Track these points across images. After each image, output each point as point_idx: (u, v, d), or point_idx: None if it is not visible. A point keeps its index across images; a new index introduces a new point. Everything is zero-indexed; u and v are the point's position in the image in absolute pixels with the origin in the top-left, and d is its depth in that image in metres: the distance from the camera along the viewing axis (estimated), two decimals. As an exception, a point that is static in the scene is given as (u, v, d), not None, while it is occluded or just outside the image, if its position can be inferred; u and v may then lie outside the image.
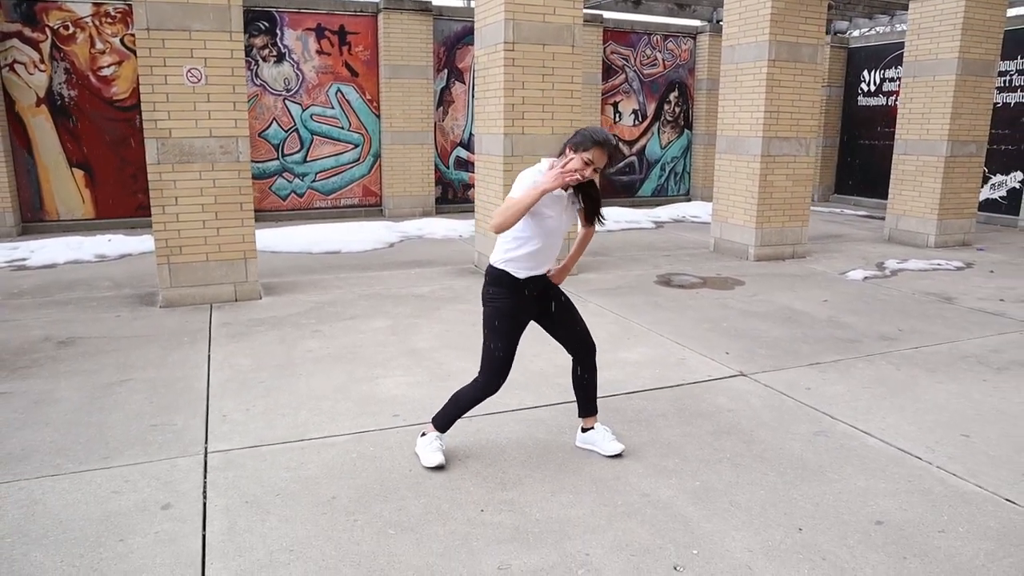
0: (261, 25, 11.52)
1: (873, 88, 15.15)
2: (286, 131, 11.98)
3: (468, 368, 4.50)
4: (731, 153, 9.10)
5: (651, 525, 2.95)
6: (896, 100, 13.89)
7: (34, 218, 10.60)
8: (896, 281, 7.73)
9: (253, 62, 11.52)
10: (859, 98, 15.47)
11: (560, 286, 3.51)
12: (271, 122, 11.85)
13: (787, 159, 8.79)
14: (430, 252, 9.12)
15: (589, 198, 3.33)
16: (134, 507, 3.03)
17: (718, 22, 14.50)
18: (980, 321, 6.11)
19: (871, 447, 3.68)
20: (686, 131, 15.37)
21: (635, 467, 3.44)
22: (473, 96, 12.47)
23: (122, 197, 11.04)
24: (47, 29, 10.26)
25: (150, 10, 5.82)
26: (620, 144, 14.67)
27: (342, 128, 12.38)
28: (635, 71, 14.58)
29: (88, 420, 3.89)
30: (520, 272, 3.23)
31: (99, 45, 10.58)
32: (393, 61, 12.11)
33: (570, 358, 3.57)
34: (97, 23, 10.51)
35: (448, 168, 13.29)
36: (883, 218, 11.26)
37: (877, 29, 15.87)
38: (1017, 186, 12.34)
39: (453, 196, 13.35)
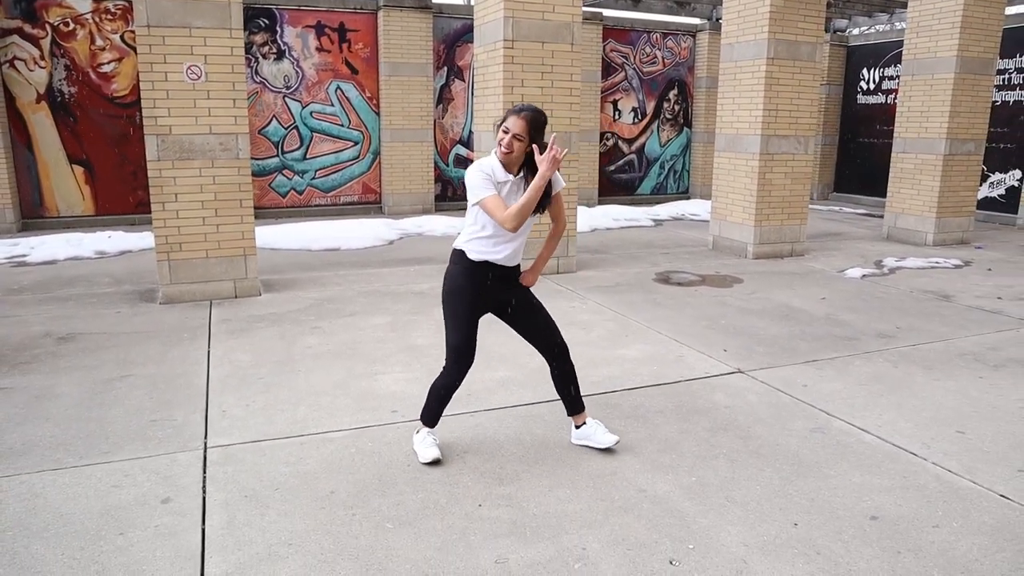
0: (261, 22, 11.53)
1: (872, 86, 15.17)
2: (286, 128, 11.99)
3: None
4: (730, 151, 9.11)
5: (647, 520, 2.97)
6: (895, 98, 13.90)
7: (34, 215, 10.61)
8: (894, 279, 7.75)
9: (253, 59, 11.52)
10: (858, 96, 15.49)
11: (534, 291, 3.50)
12: (271, 119, 11.86)
13: (786, 157, 8.81)
14: (429, 249, 9.14)
15: (531, 170, 3.26)
16: (134, 501, 3.05)
17: (717, 20, 14.50)
18: (978, 319, 6.13)
19: (867, 443, 3.70)
20: (685, 129, 15.39)
21: (632, 463, 3.46)
22: (473, 94, 12.48)
23: (122, 194, 11.05)
24: (47, 25, 10.27)
25: (150, 7, 5.83)
26: (619, 142, 14.69)
27: (342, 125, 12.39)
28: (634, 69, 14.59)
29: (88, 415, 3.91)
30: (474, 254, 3.25)
31: (99, 42, 10.59)
32: (393, 58, 12.12)
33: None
34: (97, 20, 10.52)
35: (448, 166, 13.30)
36: (882, 216, 11.28)
37: (876, 27, 15.87)
38: (1015, 184, 12.36)
39: (452, 194, 13.36)
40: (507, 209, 3.09)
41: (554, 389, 3.59)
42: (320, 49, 11.96)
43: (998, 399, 4.33)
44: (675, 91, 15.10)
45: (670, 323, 5.86)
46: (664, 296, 6.81)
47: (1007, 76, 12.33)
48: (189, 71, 6.00)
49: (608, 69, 14.25)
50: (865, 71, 15.27)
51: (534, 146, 3.14)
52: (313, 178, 12.36)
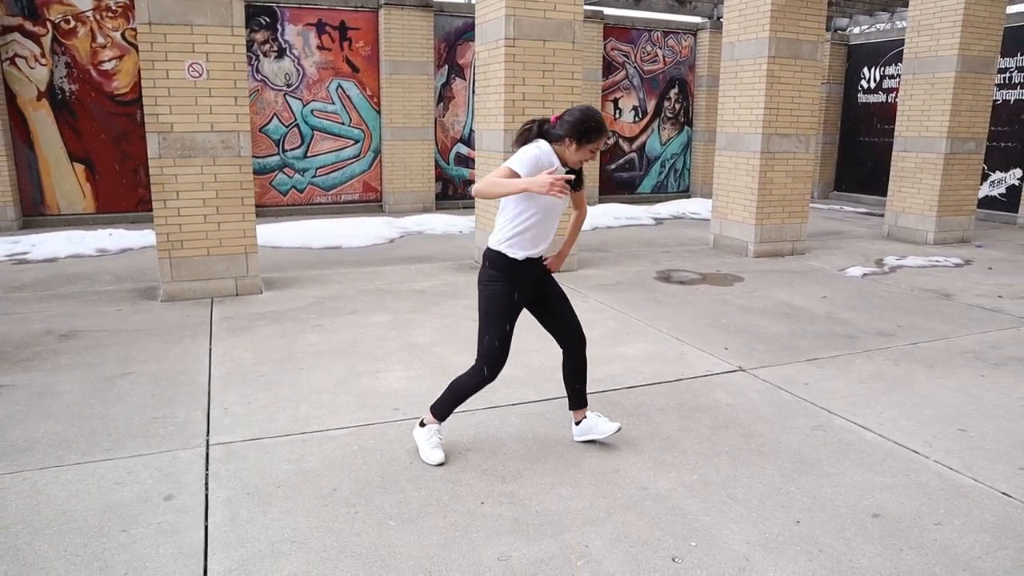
0: (262, 20, 11.52)
1: (873, 85, 15.16)
2: (287, 126, 11.99)
3: (468, 362, 4.46)
4: (731, 150, 9.11)
5: (650, 517, 2.97)
6: (896, 97, 13.91)
7: (35, 212, 10.61)
8: (895, 277, 7.76)
9: (254, 57, 11.52)
10: (859, 95, 15.48)
11: (556, 279, 3.51)
12: (272, 117, 11.86)
13: (787, 156, 8.81)
14: (430, 248, 9.14)
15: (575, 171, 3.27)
16: (137, 498, 3.06)
17: (719, 19, 14.50)
18: (978, 317, 6.14)
19: (868, 441, 3.71)
20: (686, 128, 15.38)
21: (634, 460, 3.46)
22: (474, 92, 12.45)
23: (123, 191, 11.05)
24: (48, 23, 10.26)
25: (152, 4, 5.83)
26: (619, 140, 14.71)
27: (343, 124, 12.39)
28: (635, 67, 14.58)
29: (90, 412, 3.92)
30: (518, 253, 3.21)
31: (100, 39, 10.58)
32: (394, 57, 12.12)
33: None
34: (98, 17, 10.52)
35: (448, 164, 13.30)
36: (882, 215, 11.28)
37: (877, 26, 15.87)
38: (1016, 183, 12.36)
39: (453, 192, 13.36)
40: (492, 177, 2.97)
41: (558, 386, 3.59)
42: (321, 47, 11.96)
43: (999, 397, 4.33)
44: (676, 90, 15.10)
45: (671, 321, 5.87)
46: (665, 294, 6.81)
47: (1008, 75, 12.32)
48: (191, 69, 6.00)
49: (609, 68, 14.25)
50: (866, 70, 15.27)
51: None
52: (314, 176, 12.36)
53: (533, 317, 3.52)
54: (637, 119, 14.80)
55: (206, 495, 3.10)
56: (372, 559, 2.67)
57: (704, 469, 3.39)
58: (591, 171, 14.06)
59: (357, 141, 12.55)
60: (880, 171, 13.73)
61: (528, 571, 2.61)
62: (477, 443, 3.63)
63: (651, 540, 2.81)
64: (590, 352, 4.99)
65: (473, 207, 9.14)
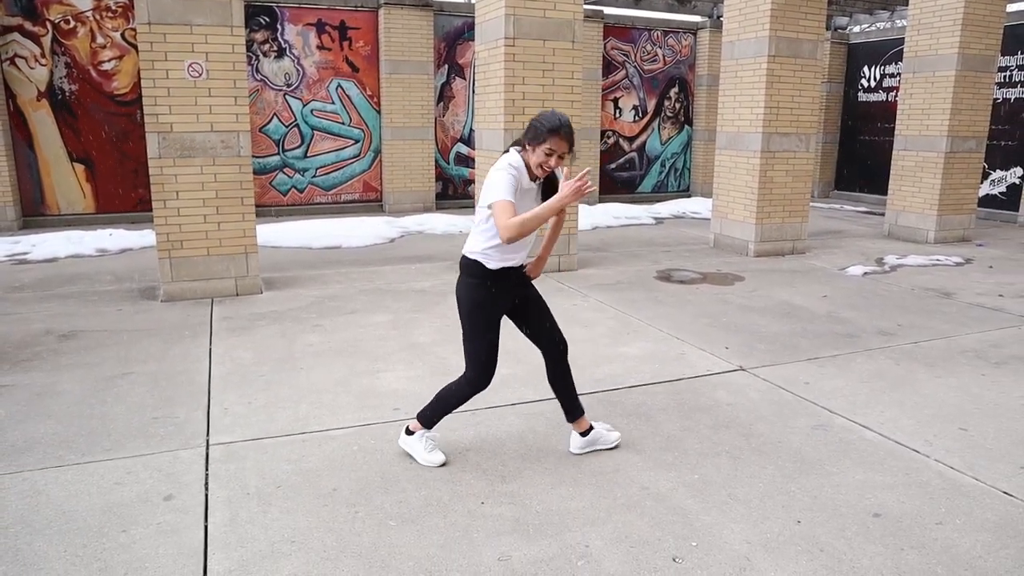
0: (262, 20, 11.52)
1: (873, 84, 15.15)
2: (287, 126, 11.99)
3: (468, 362, 4.51)
4: (731, 149, 9.10)
5: (650, 517, 2.96)
6: (896, 96, 13.90)
7: (35, 212, 10.61)
8: (895, 277, 7.75)
9: (254, 57, 11.52)
10: (859, 94, 15.47)
11: (536, 285, 3.45)
12: (272, 117, 11.85)
13: (787, 155, 8.80)
14: (430, 248, 9.14)
15: (548, 183, 3.23)
16: (136, 498, 3.05)
17: (718, 18, 14.49)
18: (979, 316, 6.13)
19: (869, 440, 3.70)
20: (686, 127, 15.37)
21: (634, 460, 3.46)
22: (474, 92, 12.45)
23: (123, 192, 11.05)
24: (48, 23, 10.26)
25: (152, 4, 5.82)
26: (620, 140, 14.70)
27: (343, 123, 12.38)
28: (635, 67, 14.57)
29: (90, 412, 3.91)
30: (491, 263, 3.16)
31: (100, 39, 10.58)
32: (393, 56, 12.11)
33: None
34: (98, 17, 10.51)
35: (448, 164, 13.30)
36: (883, 214, 11.27)
37: (877, 25, 15.86)
38: (1016, 182, 12.35)
39: (453, 192, 13.36)
40: (512, 218, 2.92)
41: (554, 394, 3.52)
42: (321, 47, 11.95)
43: (1000, 396, 4.33)
44: (676, 89, 15.09)
45: (671, 321, 5.86)
46: (665, 294, 6.80)
47: (1008, 73, 12.31)
48: (190, 69, 5.99)
49: (609, 67, 14.24)
50: (866, 69, 15.25)
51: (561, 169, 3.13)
52: (314, 176, 12.35)
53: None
54: (637, 118, 14.80)
55: (206, 495, 3.10)
56: (372, 559, 2.67)
57: (705, 469, 3.39)
58: (592, 171, 14.02)
59: (357, 141, 12.55)
60: (880, 170, 13.72)
61: (528, 571, 2.61)
62: (477, 443, 3.62)
63: (652, 540, 2.81)
64: (591, 351, 5.02)
65: (473, 207, 9.13)
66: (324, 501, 3.06)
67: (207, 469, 3.32)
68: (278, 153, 12.02)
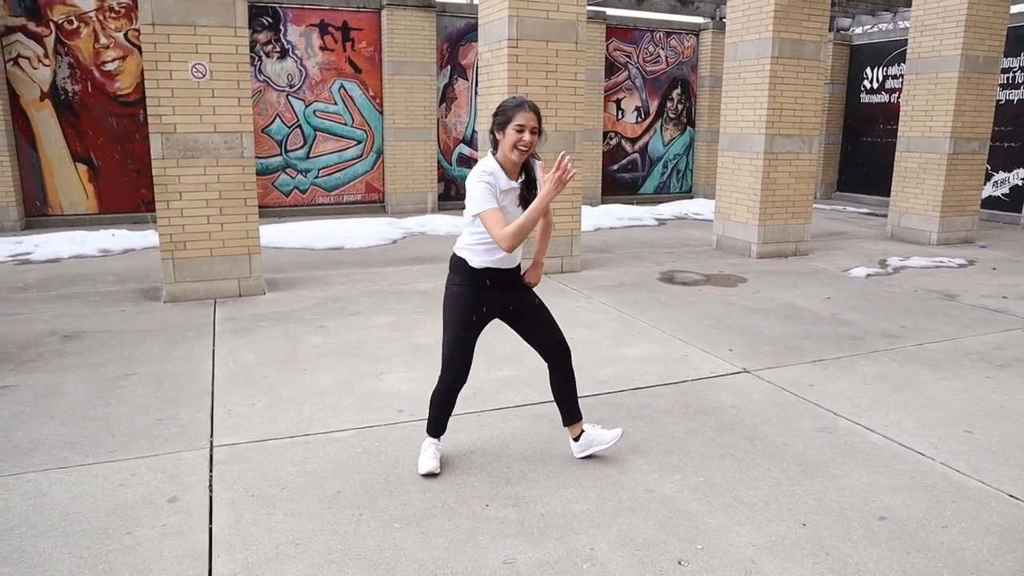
0: (265, 21, 11.52)
1: (876, 85, 15.14)
2: (289, 127, 11.99)
3: (472, 364, 4.50)
4: (734, 150, 9.09)
5: (655, 520, 2.96)
6: (899, 97, 13.86)
7: (38, 213, 10.62)
8: (899, 278, 7.74)
9: (257, 58, 11.52)
10: (862, 95, 15.46)
11: (535, 291, 3.40)
12: (274, 118, 11.86)
13: (790, 156, 8.79)
14: (433, 248, 9.13)
15: (528, 181, 3.21)
16: (141, 500, 3.05)
17: (721, 19, 14.48)
18: (983, 318, 6.12)
19: (874, 443, 3.69)
20: (689, 128, 15.37)
21: (639, 462, 3.45)
22: (476, 93, 12.46)
23: (126, 192, 11.06)
24: (51, 24, 10.27)
25: (155, 5, 5.83)
26: (622, 141, 14.70)
27: (345, 124, 12.38)
28: (638, 68, 14.57)
29: (94, 413, 3.91)
30: (475, 260, 3.15)
31: (103, 40, 10.59)
32: (396, 57, 12.11)
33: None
34: (101, 18, 10.52)
35: (451, 165, 13.29)
36: (885, 215, 11.25)
37: (880, 26, 15.85)
38: (1020, 183, 12.33)
39: (456, 193, 13.34)
40: (505, 227, 2.96)
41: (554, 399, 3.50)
42: (324, 48, 11.96)
43: (1005, 398, 4.32)
44: (678, 90, 15.08)
45: (675, 322, 5.85)
46: (668, 295, 6.80)
47: (1011, 75, 12.30)
48: (194, 69, 5.99)
49: (611, 68, 14.23)
50: (869, 70, 15.24)
51: (538, 162, 3.14)
52: (316, 177, 12.35)
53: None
54: (639, 120, 14.79)
55: (210, 497, 3.09)
56: (377, 562, 2.66)
57: (709, 471, 3.38)
58: (594, 171, 14.06)
59: (359, 142, 12.55)
60: (883, 171, 13.70)
61: (534, 574, 2.60)
62: (481, 445, 3.62)
63: (657, 543, 2.80)
64: (594, 353, 5.02)
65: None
66: (328, 503, 3.05)
67: (211, 471, 3.32)
68: (281, 154, 12.02)
